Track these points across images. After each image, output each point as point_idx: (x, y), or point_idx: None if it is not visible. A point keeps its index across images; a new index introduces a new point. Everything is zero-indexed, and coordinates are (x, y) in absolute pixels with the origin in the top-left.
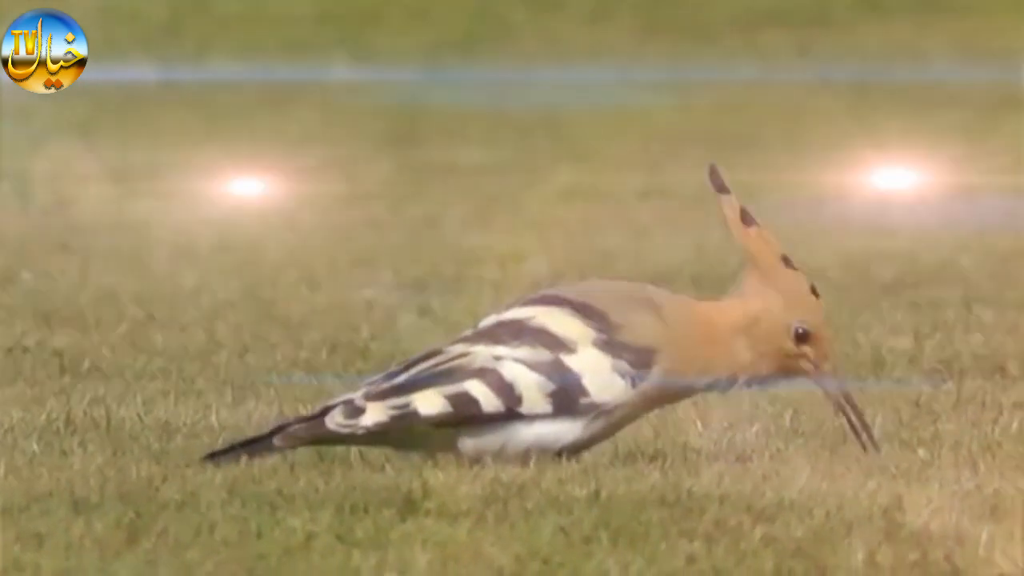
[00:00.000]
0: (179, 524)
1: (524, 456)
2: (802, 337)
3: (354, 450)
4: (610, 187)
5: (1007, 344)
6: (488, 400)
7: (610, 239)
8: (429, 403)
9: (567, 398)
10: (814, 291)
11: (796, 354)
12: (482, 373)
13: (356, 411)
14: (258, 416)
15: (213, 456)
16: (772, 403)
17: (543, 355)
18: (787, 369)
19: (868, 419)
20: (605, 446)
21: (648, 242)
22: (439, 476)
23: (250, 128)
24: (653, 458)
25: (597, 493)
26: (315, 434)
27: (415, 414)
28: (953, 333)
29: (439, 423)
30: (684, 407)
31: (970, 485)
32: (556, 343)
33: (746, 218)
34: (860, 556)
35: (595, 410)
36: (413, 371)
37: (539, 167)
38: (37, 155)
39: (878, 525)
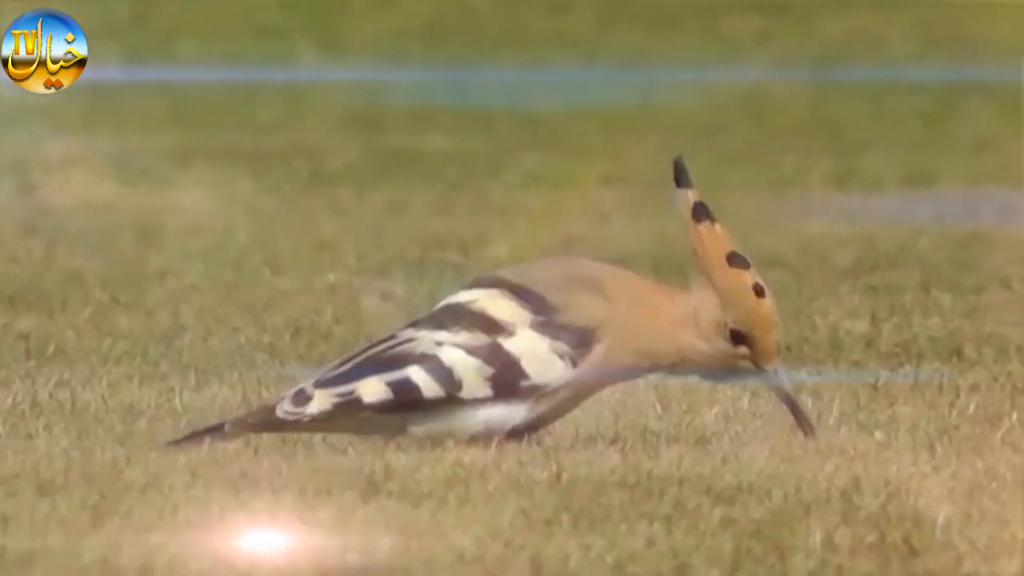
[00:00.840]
0: (143, 506)
1: (473, 440)
2: (737, 337)
3: (317, 434)
4: (572, 173)
5: (964, 328)
6: (428, 386)
7: (572, 224)
8: (372, 390)
9: (506, 382)
10: (759, 291)
11: (732, 353)
12: (423, 359)
13: (304, 399)
14: (222, 399)
15: (175, 442)
16: (731, 387)
17: (481, 339)
18: (728, 366)
19: (806, 410)
20: (565, 429)
21: (610, 227)
22: (401, 459)
23: (215, 113)
24: (613, 441)
25: (558, 476)
26: (265, 421)
27: (358, 401)
28: (911, 317)
29: (381, 410)
30: (644, 390)
31: (927, 467)
32: (494, 327)
33: (698, 214)
34: (818, 537)
35: (536, 392)
36: (361, 357)
37: (502, 154)
38: (2, 140)
39: (836, 507)
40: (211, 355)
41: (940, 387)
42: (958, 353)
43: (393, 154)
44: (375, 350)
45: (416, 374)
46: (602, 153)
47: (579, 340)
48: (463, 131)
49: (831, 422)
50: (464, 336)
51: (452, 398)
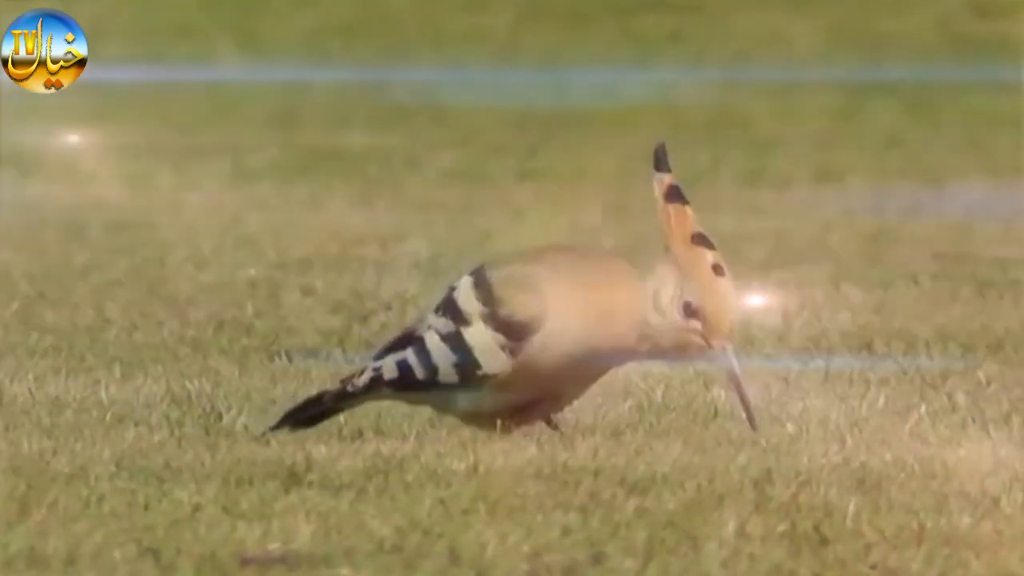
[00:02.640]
0: (69, 496)
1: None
2: (689, 311)
3: (239, 423)
4: (488, 170)
5: (874, 322)
6: (417, 368)
7: (488, 220)
8: (388, 368)
9: (466, 370)
10: (718, 270)
11: (685, 328)
12: (418, 341)
13: (360, 372)
14: (146, 391)
15: (276, 427)
16: (645, 379)
17: (450, 327)
18: (681, 344)
19: (751, 398)
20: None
21: (525, 223)
22: (322, 450)
23: (138, 110)
24: (529, 432)
25: (475, 466)
26: (341, 392)
27: (381, 379)
28: (821, 311)
29: (396, 388)
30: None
31: (837, 459)
32: (459, 316)
33: (671, 195)
34: (731, 527)
35: (488, 381)
36: (400, 334)
37: (420, 150)
38: None
39: (748, 497)
40: (136, 348)
41: (850, 380)
42: (868, 347)
43: (313, 151)
44: (409, 328)
45: (410, 356)
46: (518, 150)
47: (516, 333)
48: (382, 128)
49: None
50: (441, 322)
51: (434, 382)
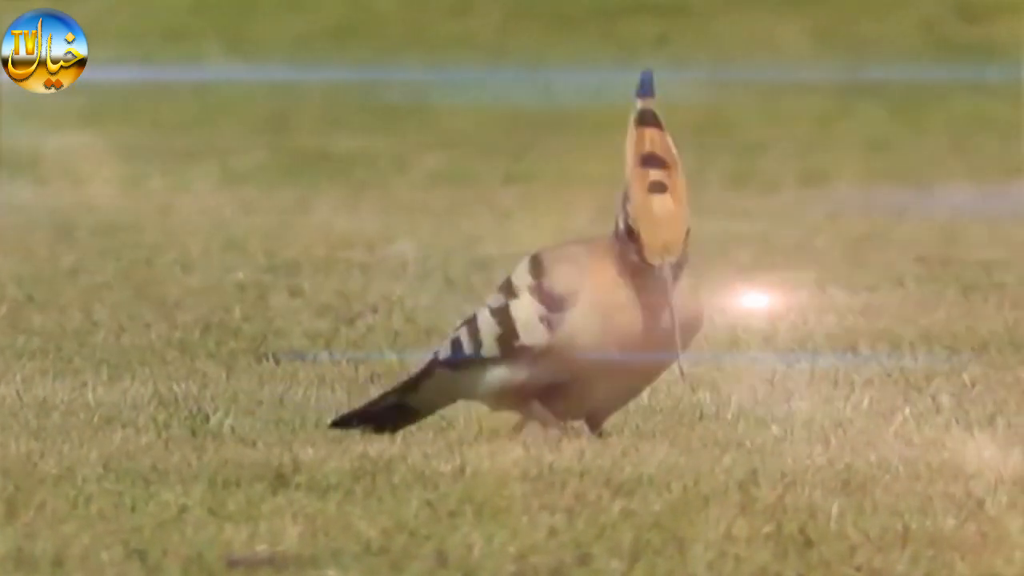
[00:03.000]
0: (56, 498)
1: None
2: (630, 233)
3: (226, 425)
4: (475, 172)
5: (859, 324)
6: (467, 343)
7: (475, 222)
8: (444, 348)
9: (506, 342)
10: (655, 188)
11: (632, 250)
12: (471, 319)
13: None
14: (133, 394)
15: (337, 424)
16: None
17: (500, 301)
18: (635, 267)
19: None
20: (469, 422)
21: (511, 225)
22: (309, 451)
23: (127, 112)
24: (516, 434)
25: (462, 468)
26: (430, 366)
27: (436, 359)
28: (807, 314)
29: (448, 366)
30: None
31: (822, 460)
32: (510, 290)
33: (640, 119)
34: (717, 529)
35: (524, 354)
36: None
37: (407, 153)
38: None
39: (734, 499)
40: (123, 351)
41: (835, 382)
42: (853, 348)
43: (301, 154)
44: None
45: (463, 333)
46: (504, 153)
47: (556, 304)
48: (369, 131)
49: (729, 416)
50: (494, 298)
51: (479, 356)
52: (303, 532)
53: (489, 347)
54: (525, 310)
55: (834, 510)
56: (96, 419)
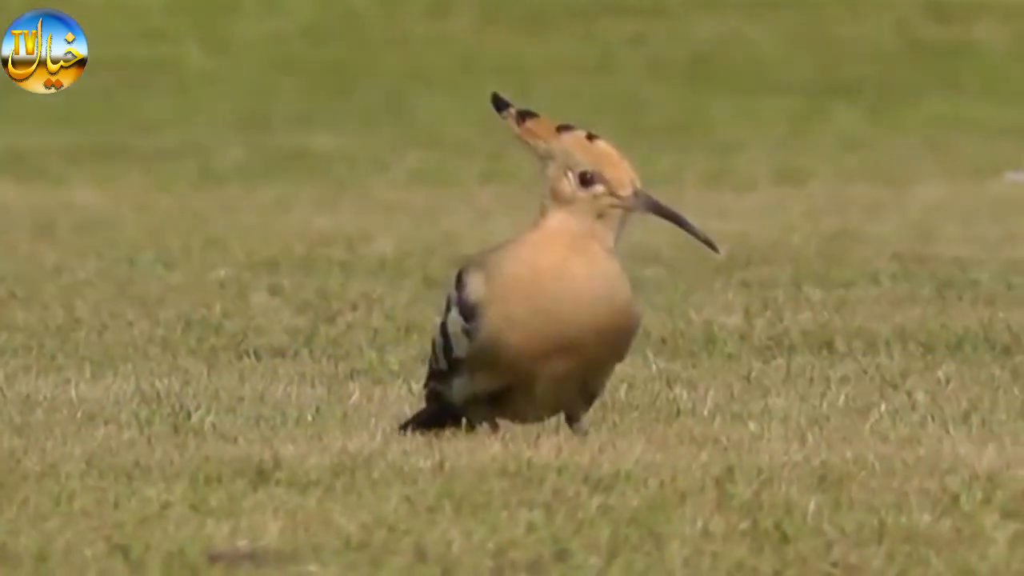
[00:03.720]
0: (39, 494)
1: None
2: (585, 179)
3: (207, 422)
4: (453, 172)
5: (834, 321)
6: (431, 358)
7: (453, 221)
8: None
9: (448, 355)
10: (591, 136)
11: (592, 198)
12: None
13: None
14: (116, 390)
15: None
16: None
17: (442, 315)
18: (598, 213)
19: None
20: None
21: (489, 224)
22: (289, 448)
23: (106, 112)
24: (494, 430)
25: (441, 464)
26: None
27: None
28: (783, 311)
29: (432, 378)
30: None
31: (799, 457)
32: (446, 304)
33: (523, 116)
34: (694, 525)
35: (462, 365)
36: None
37: (385, 153)
38: None
39: (710, 495)
40: (105, 348)
41: (811, 379)
42: (829, 346)
43: (280, 153)
44: None
45: (430, 345)
46: (482, 152)
47: (470, 314)
48: (347, 131)
49: (706, 412)
50: (441, 311)
51: (439, 370)
52: (284, 527)
53: (441, 360)
54: (454, 323)
55: (810, 506)
56: (79, 416)
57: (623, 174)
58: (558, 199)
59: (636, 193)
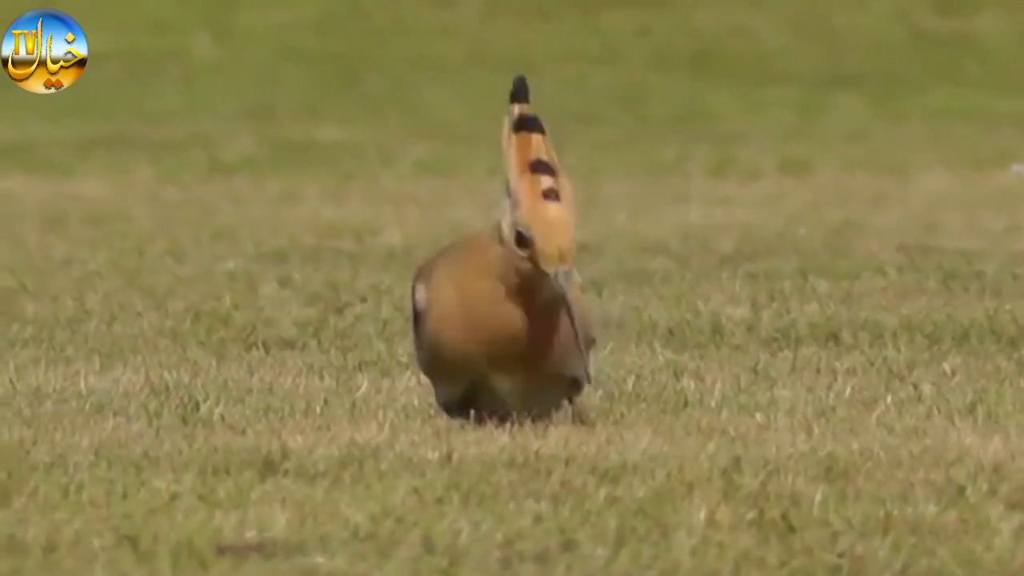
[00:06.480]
0: (48, 485)
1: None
2: (520, 240)
3: (216, 413)
4: (461, 162)
5: (841, 313)
6: None
7: (461, 212)
8: None
9: (418, 363)
10: (549, 195)
11: (519, 257)
12: None
13: None
14: (125, 382)
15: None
16: (616, 369)
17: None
18: (521, 274)
19: (591, 356)
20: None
21: (496, 214)
22: (298, 439)
23: (114, 103)
24: (502, 421)
25: (449, 455)
26: None
27: None
28: (789, 303)
29: None
30: None
31: (805, 448)
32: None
33: (520, 124)
34: (700, 515)
35: (427, 374)
36: None
37: (392, 144)
38: None
39: (717, 486)
40: (115, 340)
41: (818, 370)
42: (835, 338)
43: (287, 144)
44: None
45: None
46: (489, 143)
47: (416, 322)
48: (354, 122)
49: (713, 404)
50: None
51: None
52: (292, 518)
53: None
54: (415, 332)
55: (816, 497)
56: (88, 407)
57: (554, 252)
58: (499, 236)
59: (556, 275)
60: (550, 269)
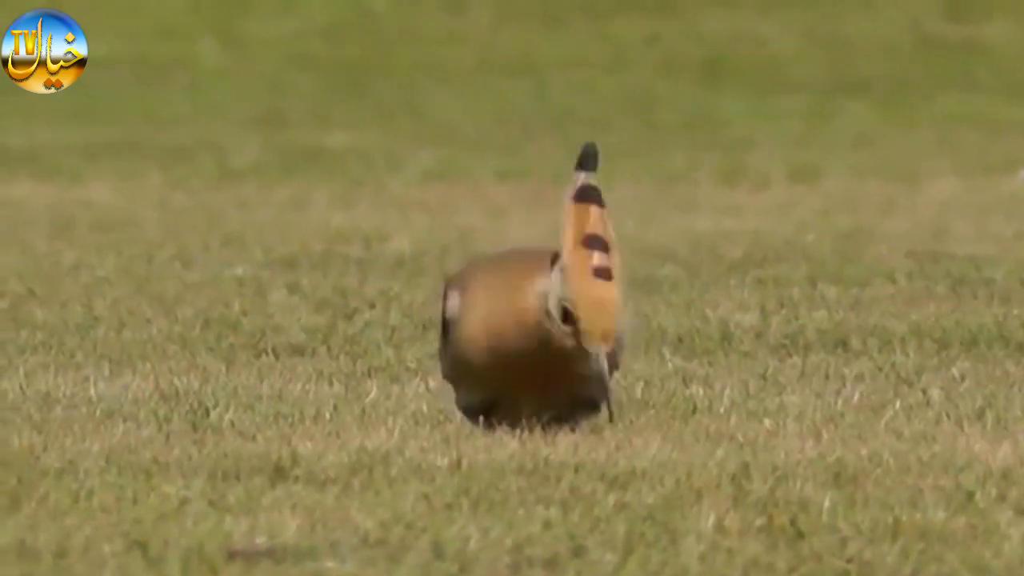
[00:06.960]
0: (58, 490)
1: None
2: (566, 316)
3: (226, 419)
4: (469, 168)
5: (849, 320)
6: None
7: (469, 218)
8: None
9: (443, 371)
10: (601, 273)
11: (561, 331)
12: None
13: None
14: (135, 388)
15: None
16: (624, 376)
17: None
18: (557, 345)
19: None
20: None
21: (505, 221)
22: (307, 445)
23: (123, 109)
24: (511, 428)
25: (458, 462)
26: None
27: None
28: (798, 309)
29: None
30: None
31: (814, 453)
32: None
33: (580, 195)
34: (709, 521)
35: (451, 382)
36: None
37: (401, 150)
38: None
39: (726, 492)
40: (124, 346)
41: (826, 376)
42: (844, 344)
43: (296, 151)
44: None
45: None
46: (498, 149)
47: (444, 330)
48: (363, 128)
49: (722, 410)
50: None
51: None
52: (301, 524)
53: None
54: (442, 337)
55: (825, 503)
56: (98, 413)
57: (598, 332)
58: (547, 307)
59: (597, 354)
60: (592, 349)
